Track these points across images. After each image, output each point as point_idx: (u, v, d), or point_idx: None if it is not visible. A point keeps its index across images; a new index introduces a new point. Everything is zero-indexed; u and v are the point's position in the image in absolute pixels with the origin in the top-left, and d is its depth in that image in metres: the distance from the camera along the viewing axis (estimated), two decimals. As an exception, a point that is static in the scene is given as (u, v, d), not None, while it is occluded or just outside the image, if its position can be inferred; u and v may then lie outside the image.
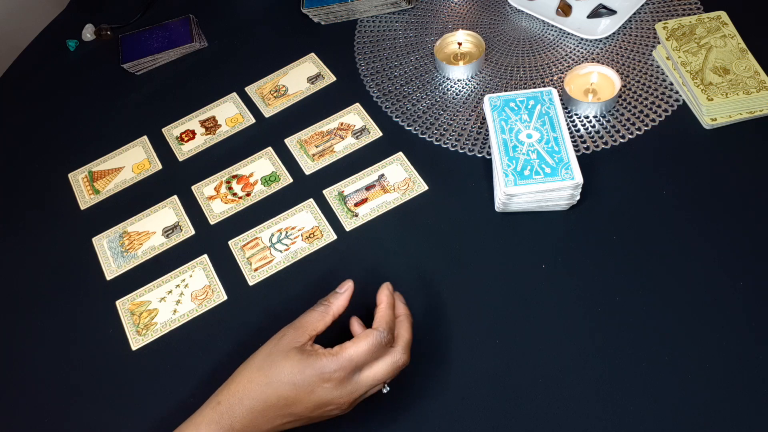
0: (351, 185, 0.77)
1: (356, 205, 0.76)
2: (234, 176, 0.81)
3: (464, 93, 0.84)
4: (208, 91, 0.91)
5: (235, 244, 0.75)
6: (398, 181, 0.77)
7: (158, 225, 0.78)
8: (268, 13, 1.00)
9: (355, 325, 0.60)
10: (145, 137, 0.88)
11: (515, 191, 0.67)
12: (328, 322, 0.57)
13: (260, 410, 0.53)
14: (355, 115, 0.84)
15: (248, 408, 0.53)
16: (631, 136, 0.76)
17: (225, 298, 0.71)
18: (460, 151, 0.78)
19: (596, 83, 0.79)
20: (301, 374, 0.53)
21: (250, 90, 0.90)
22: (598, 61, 0.84)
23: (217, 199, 0.79)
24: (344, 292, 0.59)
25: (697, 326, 0.62)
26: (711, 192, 0.70)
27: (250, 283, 0.72)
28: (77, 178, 0.85)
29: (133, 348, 0.69)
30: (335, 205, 0.76)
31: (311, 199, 0.77)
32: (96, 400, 0.66)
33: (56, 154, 0.89)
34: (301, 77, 0.90)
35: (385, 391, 0.57)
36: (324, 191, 0.77)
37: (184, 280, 0.73)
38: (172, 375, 0.66)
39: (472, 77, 0.85)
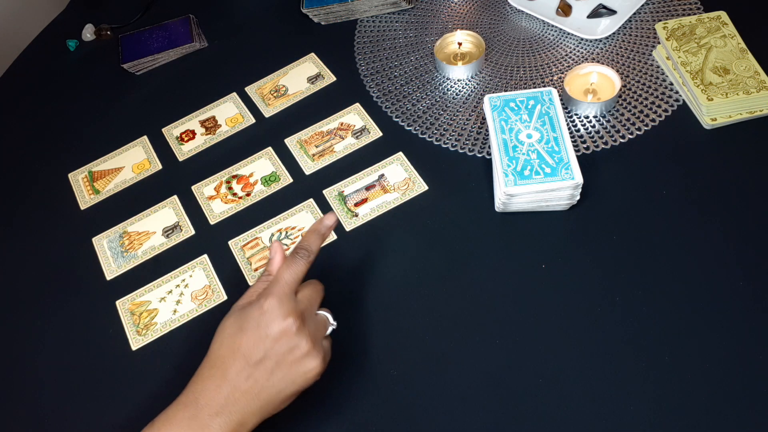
0: (351, 185, 0.77)
1: (356, 205, 0.76)
2: (234, 176, 0.81)
3: (464, 93, 0.84)
4: (208, 91, 0.91)
5: (235, 244, 0.75)
6: (398, 181, 0.77)
7: (158, 225, 0.78)
8: (268, 13, 1.00)
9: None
10: (145, 137, 0.88)
11: (515, 191, 0.67)
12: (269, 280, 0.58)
13: (218, 377, 0.53)
14: (355, 115, 0.84)
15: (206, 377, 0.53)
16: (631, 136, 0.76)
17: (225, 298, 0.71)
18: (460, 151, 0.78)
19: (596, 83, 0.79)
20: (242, 314, 0.54)
21: (250, 90, 0.90)
22: (598, 61, 0.84)
23: (217, 199, 0.79)
24: (276, 254, 0.59)
25: (697, 326, 0.62)
26: (711, 192, 0.70)
27: (250, 283, 0.71)
28: (77, 178, 0.85)
29: (133, 348, 0.69)
30: (335, 205, 0.76)
31: (311, 199, 0.77)
32: (96, 400, 0.66)
33: (56, 154, 0.89)
34: (301, 77, 0.90)
35: (333, 325, 0.58)
36: (324, 191, 0.77)
37: (184, 280, 0.73)
38: (172, 375, 0.66)
39: (472, 77, 0.85)
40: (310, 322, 0.55)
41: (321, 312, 0.58)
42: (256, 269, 0.72)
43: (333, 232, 0.74)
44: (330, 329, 0.59)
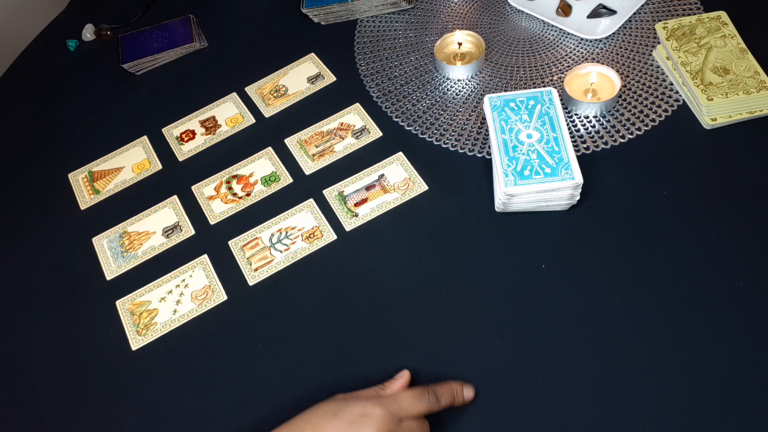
0: (351, 185, 0.77)
1: (356, 205, 0.76)
2: (234, 176, 0.81)
3: (464, 93, 0.84)
4: (208, 91, 0.91)
5: (235, 244, 0.75)
6: (398, 181, 0.77)
7: (158, 225, 0.78)
8: (268, 13, 1.00)
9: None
10: (145, 137, 0.88)
11: (515, 191, 0.67)
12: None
13: None
14: (355, 115, 0.84)
15: None
16: (631, 136, 0.76)
17: (225, 298, 0.71)
18: (460, 151, 0.78)
19: (596, 83, 0.79)
20: (344, 404, 0.55)
21: (250, 90, 0.90)
22: (598, 61, 0.84)
23: (217, 199, 0.79)
24: (402, 378, 0.60)
25: (697, 326, 0.62)
26: (711, 192, 0.70)
27: (250, 283, 0.72)
28: (77, 178, 0.85)
29: (133, 348, 0.69)
30: (335, 205, 0.76)
31: (311, 199, 0.77)
32: (96, 400, 0.66)
33: (56, 154, 0.89)
34: (301, 77, 0.90)
35: None
36: (324, 191, 0.77)
37: (184, 280, 0.73)
38: (172, 375, 0.66)
39: (472, 77, 0.85)
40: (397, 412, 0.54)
41: None
42: (256, 269, 0.72)
43: (333, 232, 0.74)
44: None
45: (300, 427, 0.54)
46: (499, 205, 0.70)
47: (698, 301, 0.63)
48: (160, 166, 0.84)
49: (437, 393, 0.57)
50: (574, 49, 0.86)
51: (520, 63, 0.86)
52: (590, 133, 0.77)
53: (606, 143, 0.76)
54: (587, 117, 0.78)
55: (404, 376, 0.60)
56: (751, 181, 0.70)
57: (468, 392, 0.59)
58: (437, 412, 0.57)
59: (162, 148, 0.86)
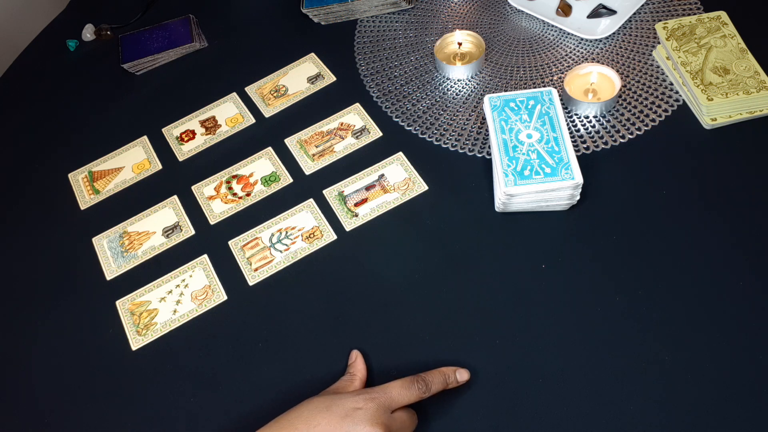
0: (351, 185, 0.77)
1: (356, 205, 0.76)
2: (234, 176, 0.81)
3: (464, 93, 0.84)
4: (208, 91, 0.91)
5: (235, 244, 0.75)
6: (398, 181, 0.77)
7: (158, 225, 0.78)
8: (268, 13, 1.00)
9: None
10: (145, 137, 0.88)
11: (515, 191, 0.67)
12: (357, 386, 0.59)
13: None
14: (355, 115, 0.84)
15: None
16: (631, 136, 0.76)
17: (225, 298, 0.71)
18: (460, 151, 0.78)
19: (596, 83, 0.79)
20: (336, 398, 0.55)
21: (250, 90, 0.90)
22: (598, 61, 0.84)
23: (217, 199, 0.79)
24: (357, 358, 0.62)
25: (697, 326, 0.62)
26: (711, 192, 0.70)
27: (250, 283, 0.72)
28: (77, 178, 0.85)
29: (133, 348, 0.69)
30: (335, 205, 0.76)
31: (311, 199, 0.77)
32: (96, 400, 0.66)
33: (56, 154, 0.89)
34: (301, 77, 0.90)
35: None
36: (324, 191, 0.77)
37: (184, 280, 0.73)
38: (172, 375, 0.66)
39: (472, 77, 0.85)
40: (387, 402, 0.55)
41: None
42: (256, 269, 0.72)
43: (333, 232, 0.74)
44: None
45: (292, 423, 0.54)
46: (499, 205, 0.70)
47: (698, 301, 0.63)
48: (160, 166, 0.84)
49: (426, 380, 0.57)
50: (574, 49, 0.86)
51: (520, 63, 0.86)
52: (590, 133, 0.77)
53: (606, 143, 0.76)
54: (587, 117, 0.78)
55: (357, 354, 0.62)
56: (751, 181, 0.71)
57: (462, 374, 0.60)
58: (428, 397, 0.57)
59: (162, 148, 0.86)
